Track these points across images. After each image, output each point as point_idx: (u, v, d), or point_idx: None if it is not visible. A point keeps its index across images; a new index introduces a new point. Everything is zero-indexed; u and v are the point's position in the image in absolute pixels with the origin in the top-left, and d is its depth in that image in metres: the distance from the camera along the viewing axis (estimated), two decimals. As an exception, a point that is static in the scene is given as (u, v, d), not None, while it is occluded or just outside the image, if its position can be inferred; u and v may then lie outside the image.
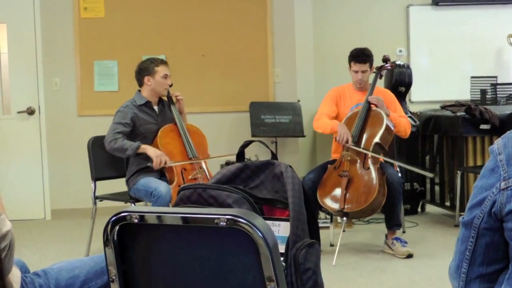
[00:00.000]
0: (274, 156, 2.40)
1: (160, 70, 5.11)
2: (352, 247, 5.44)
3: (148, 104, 5.15)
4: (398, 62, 6.78)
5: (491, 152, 1.57)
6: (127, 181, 5.13)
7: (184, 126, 5.18)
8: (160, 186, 4.79)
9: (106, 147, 4.98)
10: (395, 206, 5.12)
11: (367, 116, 5.24)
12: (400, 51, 7.86)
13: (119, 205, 4.98)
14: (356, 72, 5.40)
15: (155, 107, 5.21)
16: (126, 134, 4.99)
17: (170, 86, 5.26)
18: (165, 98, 5.31)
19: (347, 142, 5.11)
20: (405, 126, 5.37)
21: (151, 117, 5.15)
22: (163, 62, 5.18)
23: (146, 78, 5.11)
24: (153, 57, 5.33)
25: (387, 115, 5.23)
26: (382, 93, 5.51)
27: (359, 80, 5.40)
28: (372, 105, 5.27)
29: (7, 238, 1.81)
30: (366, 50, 5.44)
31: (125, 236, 1.66)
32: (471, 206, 1.59)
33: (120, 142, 4.90)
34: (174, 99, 5.30)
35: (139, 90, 5.20)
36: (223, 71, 7.16)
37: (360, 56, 5.37)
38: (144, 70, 5.14)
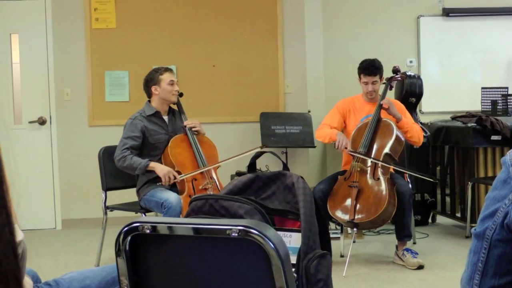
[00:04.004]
0: (286, 167, 2.41)
1: (165, 77, 5.14)
2: (363, 258, 5.43)
3: (157, 114, 5.17)
4: (408, 73, 6.77)
5: (503, 163, 1.56)
6: (137, 191, 5.14)
7: (195, 136, 5.19)
8: (171, 196, 4.80)
9: (116, 164, 5.01)
10: (405, 217, 5.11)
11: (377, 126, 5.23)
12: (411, 61, 7.85)
13: (129, 215, 5.00)
14: (366, 84, 5.41)
15: (165, 117, 5.22)
16: (136, 147, 5.02)
17: (181, 95, 5.29)
18: (174, 107, 5.33)
19: (346, 147, 5.15)
20: (418, 132, 5.36)
21: (161, 127, 5.16)
22: (167, 70, 5.21)
23: (153, 88, 5.15)
24: (157, 67, 5.36)
25: (400, 119, 5.24)
26: (391, 101, 5.51)
27: (370, 91, 5.41)
28: (383, 110, 5.26)
29: (20, 248, 1.82)
30: (376, 62, 5.45)
31: (137, 247, 1.66)
32: (483, 218, 1.58)
33: (129, 161, 4.93)
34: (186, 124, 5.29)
35: (149, 101, 5.23)
36: (234, 81, 7.18)
37: (370, 68, 5.39)
38: (150, 81, 5.18)
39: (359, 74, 5.46)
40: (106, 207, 5.35)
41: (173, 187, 5.04)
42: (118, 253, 1.65)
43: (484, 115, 6.18)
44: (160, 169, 4.93)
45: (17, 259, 0.96)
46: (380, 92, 5.51)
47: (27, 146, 7.02)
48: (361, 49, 7.45)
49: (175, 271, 1.69)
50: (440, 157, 6.85)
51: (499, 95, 6.89)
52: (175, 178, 4.90)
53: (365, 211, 4.93)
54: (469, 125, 6.09)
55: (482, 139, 6.04)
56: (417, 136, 5.35)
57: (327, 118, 5.58)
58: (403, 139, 5.25)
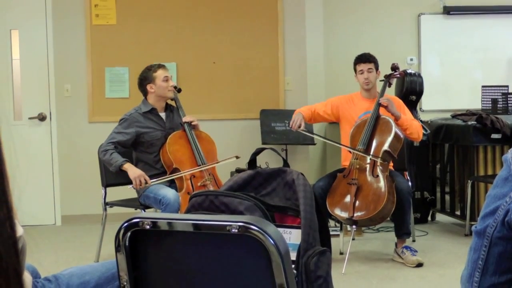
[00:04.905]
0: (286, 163, 2.40)
1: (159, 74, 5.14)
2: (362, 256, 5.43)
3: (153, 111, 5.16)
4: (409, 71, 6.77)
5: (505, 161, 1.56)
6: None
7: (193, 132, 5.18)
8: (169, 193, 4.80)
9: (98, 154, 5.03)
10: (405, 214, 5.10)
11: (376, 124, 5.23)
12: (411, 59, 7.85)
13: (129, 212, 4.99)
14: (362, 72, 5.42)
15: (162, 114, 5.22)
16: (123, 144, 5.03)
17: (179, 91, 5.29)
18: (172, 103, 5.33)
19: (299, 127, 5.26)
20: (417, 129, 5.37)
21: (157, 124, 5.16)
22: (160, 66, 5.21)
23: (148, 86, 5.14)
24: (150, 64, 5.34)
25: (399, 117, 5.24)
26: (390, 99, 5.51)
27: (366, 79, 5.41)
28: (382, 108, 5.26)
29: (19, 243, 1.82)
30: (369, 53, 5.54)
31: (136, 242, 1.66)
32: (484, 215, 1.58)
33: (108, 156, 4.93)
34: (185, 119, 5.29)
35: (145, 98, 5.22)
36: (234, 78, 7.18)
37: (364, 56, 5.48)
38: (144, 80, 5.17)
39: (355, 66, 5.50)
40: (106, 203, 5.35)
41: (172, 183, 5.05)
42: (117, 249, 1.65)
43: (484, 114, 6.18)
44: (132, 172, 4.90)
45: (18, 254, 0.96)
46: (379, 89, 5.51)
47: (27, 142, 7.01)
48: (361, 47, 7.41)
49: (175, 267, 1.69)
50: (440, 155, 6.85)
51: (500, 94, 6.88)
52: (146, 182, 4.88)
53: (364, 208, 4.92)
54: (469, 123, 6.08)
55: (482, 137, 6.04)
56: (417, 132, 5.35)
57: (317, 104, 5.65)
58: (402, 136, 5.25)
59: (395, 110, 5.27)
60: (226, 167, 5.64)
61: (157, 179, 4.96)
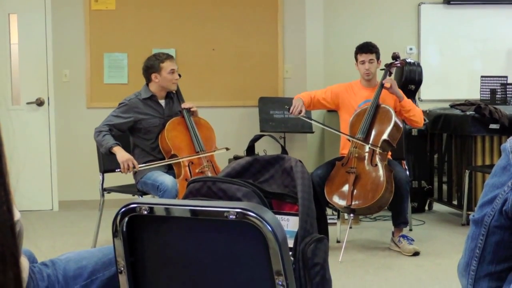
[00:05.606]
0: (284, 150, 2.40)
1: (166, 66, 5.08)
2: (359, 244, 5.44)
3: (153, 98, 5.13)
4: (408, 60, 6.76)
5: (503, 150, 1.56)
6: (134, 174, 5.13)
7: (192, 119, 5.16)
8: (166, 180, 4.79)
9: (93, 135, 5.00)
10: (402, 203, 5.11)
11: (376, 112, 5.23)
12: (411, 49, 7.83)
13: (126, 198, 4.99)
14: (363, 62, 5.40)
15: (162, 101, 5.19)
16: (119, 127, 5.00)
17: (179, 76, 5.28)
18: (174, 88, 5.29)
19: (299, 113, 5.23)
20: (420, 113, 5.38)
21: (156, 111, 5.13)
22: (168, 57, 5.13)
23: (153, 76, 5.09)
24: (158, 52, 5.29)
25: (402, 98, 5.25)
26: (394, 81, 5.51)
27: (367, 70, 5.39)
28: (385, 90, 5.25)
29: (16, 228, 1.81)
30: (372, 43, 5.49)
31: (133, 228, 1.66)
32: (482, 204, 1.58)
33: (101, 137, 4.89)
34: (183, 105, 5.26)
35: (147, 84, 5.19)
36: (233, 65, 7.16)
37: (366, 46, 5.43)
38: (150, 68, 5.11)
39: (356, 55, 5.46)
40: (103, 189, 5.35)
41: (170, 169, 5.04)
42: (115, 234, 1.65)
43: (483, 104, 6.17)
44: (120, 155, 4.84)
45: (15, 237, 0.95)
46: (379, 79, 5.50)
47: (25, 127, 7.00)
48: (361, 36, 7.41)
49: (172, 253, 1.69)
50: (438, 145, 6.85)
51: (498, 84, 6.88)
52: (134, 167, 4.85)
53: (362, 197, 4.93)
54: (468, 113, 6.09)
55: (481, 127, 6.04)
56: (419, 116, 5.36)
57: (317, 90, 5.64)
58: (401, 125, 5.25)
59: (398, 91, 5.28)
60: (224, 154, 5.63)
61: (145, 164, 4.94)
